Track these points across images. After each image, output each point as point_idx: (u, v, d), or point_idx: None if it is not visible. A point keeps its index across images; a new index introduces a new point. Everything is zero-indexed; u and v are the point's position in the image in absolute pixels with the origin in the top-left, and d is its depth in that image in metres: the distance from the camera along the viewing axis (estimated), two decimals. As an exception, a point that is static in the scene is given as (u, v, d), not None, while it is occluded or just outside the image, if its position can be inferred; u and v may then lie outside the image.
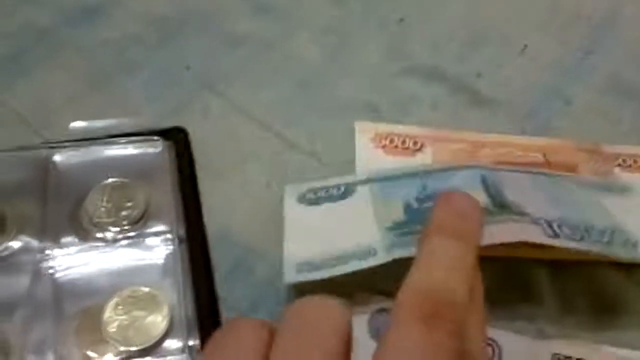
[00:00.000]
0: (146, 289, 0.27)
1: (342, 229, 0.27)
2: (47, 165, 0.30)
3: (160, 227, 0.29)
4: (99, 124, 0.32)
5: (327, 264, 0.25)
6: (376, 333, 0.26)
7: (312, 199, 0.29)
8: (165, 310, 0.26)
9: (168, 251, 0.28)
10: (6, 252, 0.28)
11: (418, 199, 0.28)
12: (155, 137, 0.31)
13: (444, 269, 0.21)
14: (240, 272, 0.29)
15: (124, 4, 0.38)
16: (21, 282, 0.27)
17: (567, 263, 0.29)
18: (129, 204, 0.29)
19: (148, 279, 0.27)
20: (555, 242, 0.24)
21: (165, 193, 0.29)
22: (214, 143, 0.33)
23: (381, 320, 0.26)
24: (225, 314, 0.27)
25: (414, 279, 0.20)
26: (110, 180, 0.29)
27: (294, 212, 0.29)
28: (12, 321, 0.26)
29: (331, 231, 0.27)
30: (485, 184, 0.27)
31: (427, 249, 0.22)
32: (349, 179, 0.30)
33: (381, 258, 0.25)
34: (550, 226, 0.25)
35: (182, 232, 0.29)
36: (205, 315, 0.27)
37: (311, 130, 0.34)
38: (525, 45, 0.39)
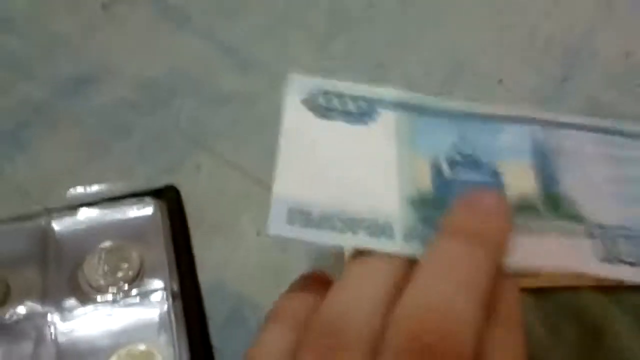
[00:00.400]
0: (143, 347, 0.28)
1: (357, 172, 0.21)
2: (46, 233, 0.31)
3: (156, 285, 0.30)
4: (95, 189, 0.34)
5: (328, 223, 0.19)
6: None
7: (323, 108, 0.22)
8: (161, 366, 0.27)
9: (163, 307, 0.29)
10: (11, 319, 0.29)
11: (451, 161, 0.22)
12: (147, 199, 0.32)
13: (450, 284, 0.17)
14: (235, 322, 0.30)
15: (114, 71, 0.40)
16: (26, 347, 0.28)
17: (549, 289, 0.29)
18: (125, 265, 0.30)
19: (145, 335, 0.28)
20: (608, 272, 0.20)
21: (159, 251, 0.31)
22: (206, 198, 0.34)
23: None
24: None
25: (407, 303, 0.17)
26: (106, 243, 0.31)
27: (296, 121, 0.21)
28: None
29: (342, 170, 0.21)
30: (536, 153, 0.22)
31: (435, 252, 0.18)
32: (372, 91, 0.23)
33: (397, 245, 0.19)
34: (605, 243, 0.21)
35: (176, 287, 0.30)
36: (202, 368, 0.28)
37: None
38: (501, 79, 0.40)
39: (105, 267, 0.30)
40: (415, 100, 0.23)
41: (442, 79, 0.40)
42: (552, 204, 0.21)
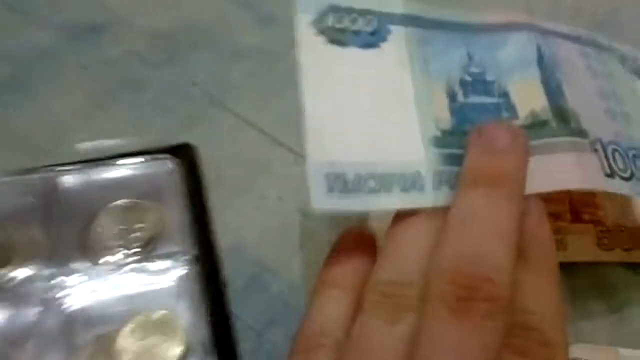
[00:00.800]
0: (161, 313, 0.26)
1: (377, 111, 0.21)
2: (54, 189, 0.29)
3: (172, 248, 0.28)
4: (107, 143, 0.31)
5: (364, 186, 0.19)
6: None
7: (335, 31, 0.21)
8: (180, 334, 0.25)
9: (181, 272, 0.27)
10: (14, 282, 0.27)
11: (463, 84, 0.22)
12: (164, 156, 0.30)
13: (479, 232, 0.18)
14: (255, 288, 0.28)
15: (127, 22, 0.37)
16: (31, 312, 0.26)
17: (576, 265, 0.28)
18: (140, 226, 0.28)
19: (162, 302, 0.26)
20: (611, 186, 0.20)
21: (176, 212, 0.29)
22: (224, 158, 0.32)
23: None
24: (241, 334, 0.27)
25: (442, 254, 0.18)
26: (119, 201, 0.28)
27: (312, 54, 0.21)
28: (23, 352, 0.25)
29: (363, 112, 0.20)
30: (542, 65, 0.22)
31: (457, 207, 0.19)
32: (381, 4, 0.22)
33: (428, 197, 0.20)
34: (606, 154, 0.21)
35: (194, 252, 0.28)
36: (221, 337, 0.26)
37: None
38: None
39: (118, 227, 0.28)
40: (423, 12, 0.23)
41: None
42: (563, 118, 0.21)
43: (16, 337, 0.25)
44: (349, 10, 0.22)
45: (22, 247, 0.28)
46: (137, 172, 0.29)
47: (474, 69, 0.22)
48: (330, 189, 0.19)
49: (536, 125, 0.21)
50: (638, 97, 0.24)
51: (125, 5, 0.38)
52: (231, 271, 0.28)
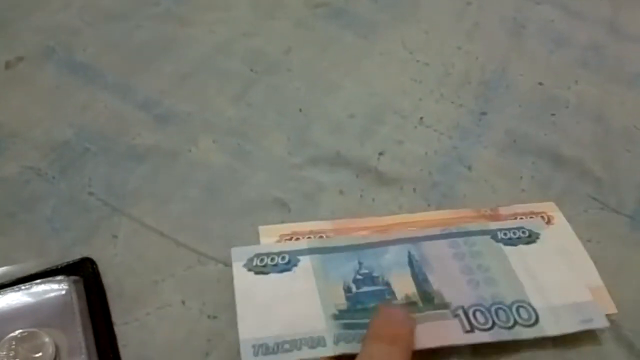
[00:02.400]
0: None
1: (291, 307, 0.30)
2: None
3: (74, 372, 0.28)
4: (3, 270, 0.31)
5: (281, 348, 0.29)
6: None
7: (260, 267, 0.32)
8: None
9: (84, 397, 0.27)
10: None
11: (356, 281, 0.32)
12: (60, 277, 0.30)
13: None
14: (163, 403, 0.28)
15: (18, 137, 0.38)
16: None
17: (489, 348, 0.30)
18: (38, 355, 0.28)
19: None
20: (471, 339, 0.29)
21: (76, 334, 0.29)
22: (125, 267, 0.33)
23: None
24: None
25: None
26: (16, 332, 0.28)
27: (244, 282, 0.31)
28: None
29: (281, 308, 0.30)
30: (412, 265, 0.32)
31: (366, 352, 0.27)
32: (291, 246, 0.33)
33: (329, 350, 0.29)
34: (467, 316, 0.30)
35: (96, 373, 0.28)
36: None
37: (223, 237, 0.34)
38: (422, 117, 0.41)
39: (16, 359, 0.28)
40: (323, 244, 0.33)
41: (365, 122, 0.40)
42: (428, 299, 0.31)
43: None
44: (269, 254, 0.32)
45: None
46: (33, 298, 0.29)
47: (364, 271, 0.32)
48: (256, 354, 0.28)
49: (410, 304, 0.30)
50: (504, 261, 0.32)
51: (17, 119, 0.38)
52: (138, 386, 0.29)
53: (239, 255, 0.32)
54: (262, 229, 0.34)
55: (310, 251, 0.32)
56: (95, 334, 0.29)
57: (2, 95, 0.40)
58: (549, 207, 0.35)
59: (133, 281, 0.32)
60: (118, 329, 0.30)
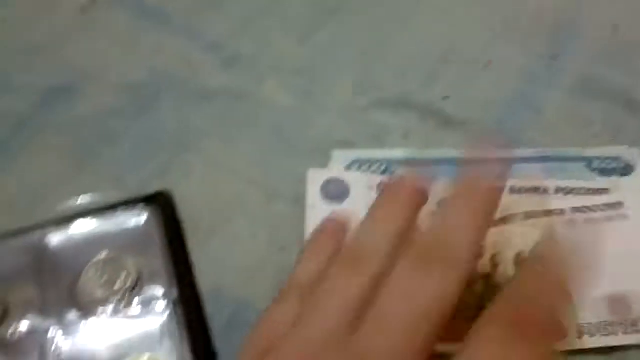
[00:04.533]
0: (147, 355, 0.28)
1: None
2: (41, 248, 0.31)
3: (155, 293, 0.30)
4: (86, 199, 0.33)
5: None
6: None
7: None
8: (166, 376, 0.27)
9: (164, 316, 0.29)
10: (13, 337, 0.29)
11: None
12: (139, 206, 0.32)
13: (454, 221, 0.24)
14: (236, 326, 0.30)
15: (95, 79, 0.39)
16: (29, 364, 0.28)
17: None
18: (122, 276, 0.30)
19: (147, 345, 0.28)
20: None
21: (156, 259, 0.31)
22: (198, 202, 0.34)
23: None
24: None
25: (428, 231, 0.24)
26: (102, 255, 0.30)
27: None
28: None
29: None
30: None
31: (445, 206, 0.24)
32: (386, 154, 0.33)
33: None
34: None
35: (175, 295, 0.30)
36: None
37: (291, 175, 0.35)
38: (490, 60, 0.40)
39: (103, 279, 0.30)
40: (420, 155, 0.33)
41: (427, 66, 0.40)
42: None
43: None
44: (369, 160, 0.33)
45: (16, 305, 0.30)
46: (116, 225, 0.31)
47: None
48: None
49: None
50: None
51: (92, 62, 0.40)
52: (213, 311, 0.30)
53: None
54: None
55: (408, 163, 0.32)
56: (174, 261, 0.31)
57: (79, 39, 0.41)
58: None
59: (206, 215, 0.34)
60: (193, 257, 0.32)
